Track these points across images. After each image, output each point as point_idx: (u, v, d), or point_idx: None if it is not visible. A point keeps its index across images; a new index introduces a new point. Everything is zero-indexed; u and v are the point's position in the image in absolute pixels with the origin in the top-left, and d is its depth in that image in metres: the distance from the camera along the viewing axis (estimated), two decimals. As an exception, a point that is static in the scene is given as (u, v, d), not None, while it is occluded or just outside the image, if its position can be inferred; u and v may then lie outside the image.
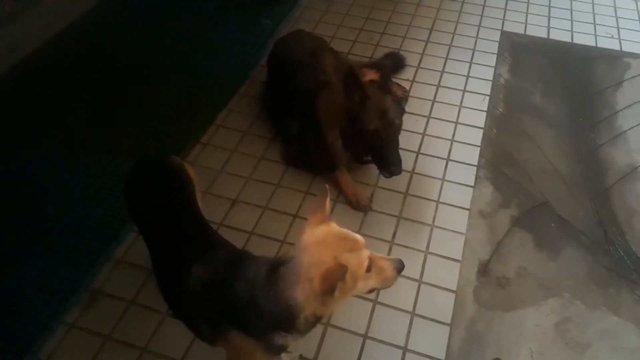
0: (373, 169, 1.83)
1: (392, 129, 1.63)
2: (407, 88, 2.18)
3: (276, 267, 0.99)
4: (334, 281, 0.89)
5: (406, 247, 1.62)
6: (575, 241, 1.66)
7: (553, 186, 1.83)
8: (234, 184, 1.80)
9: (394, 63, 2.23)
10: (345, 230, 1.02)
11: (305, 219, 1.02)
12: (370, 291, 1.05)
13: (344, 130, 1.70)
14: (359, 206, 1.73)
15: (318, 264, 0.92)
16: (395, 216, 1.71)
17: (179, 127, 1.99)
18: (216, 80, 2.21)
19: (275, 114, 2.00)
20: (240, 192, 1.78)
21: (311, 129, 1.78)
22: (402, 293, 1.49)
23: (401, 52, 2.31)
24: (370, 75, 1.98)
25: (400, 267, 1.05)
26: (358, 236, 1.02)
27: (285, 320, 0.95)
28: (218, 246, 1.11)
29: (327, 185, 1.09)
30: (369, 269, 0.99)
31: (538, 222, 1.71)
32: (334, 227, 1.03)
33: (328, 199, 1.07)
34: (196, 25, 2.51)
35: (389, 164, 1.63)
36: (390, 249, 1.61)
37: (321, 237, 1.01)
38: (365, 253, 0.99)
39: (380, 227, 1.68)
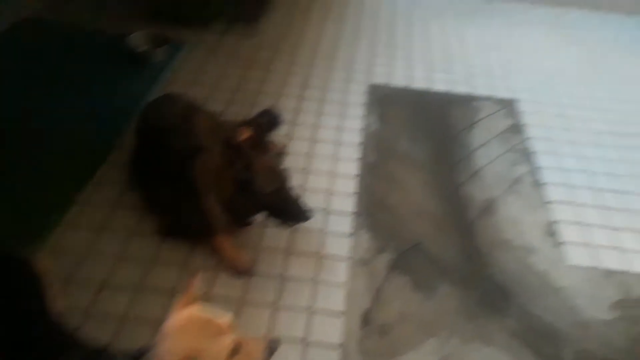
0: (254, 230, 1.84)
1: (286, 184, 1.68)
2: (284, 144, 2.24)
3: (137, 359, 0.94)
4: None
5: (290, 308, 1.61)
6: (448, 278, 1.77)
7: (424, 226, 1.95)
8: (103, 265, 1.68)
9: (270, 120, 2.28)
10: (209, 316, 1.00)
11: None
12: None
13: (225, 195, 1.69)
14: (242, 271, 1.70)
15: (173, 354, 0.88)
16: (279, 276, 1.71)
17: (37, 204, 1.83)
18: (81, 149, 2.08)
19: (147, 182, 1.92)
20: (110, 274, 1.66)
21: (187, 196, 1.74)
22: (286, 358, 1.47)
23: (276, 109, 2.37)
24: (246, 133, 2.01)
25: (275, 346, 1.04)
26: (224, 319, 1.00)
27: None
28: (71, 349, 1.02)
29: (199, 270, 1.07)
30: (233, 354, 0.96)
31: (413, 263, 1.80)
32: (198, 311, 1.01)
33: (197, 280, 1.05)
34: (60, 89, 2.38)
35: (298, 214, 1.70)
36: (273, 313, 1.59)
37: (183, 322, 0.98)
38: (229, 339, 0.96)
39: (264, 291, 1.66)
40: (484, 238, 1.92)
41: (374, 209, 1.99)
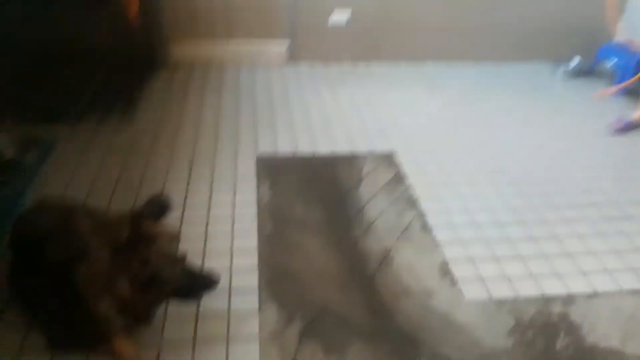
0: (155, 325, 1.73)
1: (185, 261, 1.67)
2: (178, 228, 2.18)
3: None
4: None
5: (202, 402, 1.53)
6: (358, 336, 1.78)
7: (328, 288, 1.97)
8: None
9: (158, 207, 2.20)
10: None
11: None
12: None
13: (122, 297, 1.58)
14: (144, 374, 1.59)
15: None
16: (187, 370, 1.62)
17: None
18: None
19: (30, 296, 1.75)
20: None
21: (74, 304, 1.60)
22: None
23: (164, 195, 2.32)
24: (131, 228, 1.93)
25: None
26: None
27: None
28: None
29: None
30: None
31: (322, 327, 1.80)
32: None
33: None
34: None
35: (209, 281, 1.69)
36: (185, 412, 1.49)
37: None
38: None
39: (171, 390, 1.56)
40: (385, 289, 1.98)
41: (278, 280, 1.98)
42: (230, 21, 3.70)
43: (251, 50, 3.83)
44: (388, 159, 2.79)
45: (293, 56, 3.91)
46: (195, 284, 1.69)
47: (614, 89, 3.69)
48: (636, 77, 3.52)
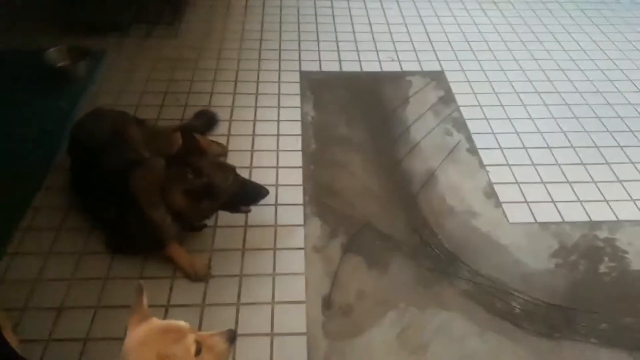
0: (206, 234, 1.83)
1: (235, 171, 1.72)
2: (225, 143, 2.23)
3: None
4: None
5: (253, 304, 1.63)
6: (399, 252, 1.84)
7: (371, 206, 2.01)
8: (56, 290, 1.63)
9: (206, 121, 2.25)
10: (166, 322, 1.02)
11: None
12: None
13: (177, 206, 1.66)
14: (198, 277, 1.69)
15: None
16: (237, 275, 1.72)
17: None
18: (13, 178, 1.97)
19: (89, 201, 1.87)
20: (65, 298, 1.61)
21: (131, 210, 1.70)
22: (256, 350, 1.50)
23: (211, 109, 2.35)
24: (183, 139, 1.98)
25: (231, 337, 1.08)
26: (181, 323, 1.02)
27: None
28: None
29: (141, 282, 1.07)
30: (198, 353, 0.99)
31: (364, 243, 1.86)
32: (154, 322, 1.02)
33: (144, 296, 1.05)
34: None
35: (259, 192, 1.77)
36: (237, 311, 1.61)
37: (142, 337, 0.99)
38: (191, 338, 0.99)
39: (224, 292, 1.66)
40: (428, 208, 2.00)
41: (322, 196, 2.03)
42: None
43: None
44: (437, 78, 2.69)
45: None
46: (246, 193, 1.75)
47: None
48: None
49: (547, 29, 3.19)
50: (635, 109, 2.55)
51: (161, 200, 1.66)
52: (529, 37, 3.10)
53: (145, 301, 1.04)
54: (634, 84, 2.73)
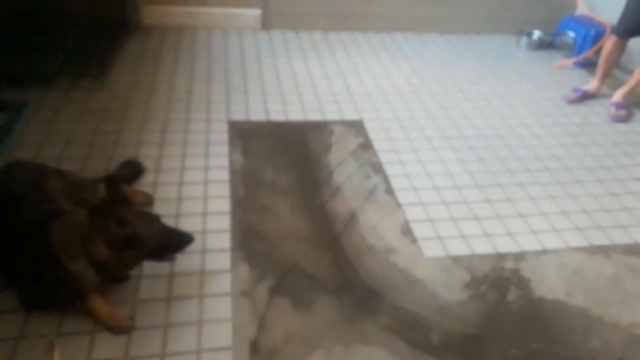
0: (129, 284, 1.81)
1: (159, 220, 1.71)
2: (151, 192, 2.24)
3: None
4: None
5: (178, 353, 1.62)
6: (324, 290, 1.91)
7: (297, 247, 2.08)
8: (-36, 353, 1.55)
9: (131, 170, 2.26)
10: None
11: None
12: None
13: (99, 258, 1.63)
14: (121, 329, 1.66)
15: None
16: (162, 326, 1.71)
17: None
18: None
19: (3, 257, 1.80)
20: (-26, 361, 1.53)
21: (49, 264, 1.66)
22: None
23: (137, 159, 2.36)
24: (106, 190, 1.97)
25: None
26: None
27: None
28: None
29: (51, 339, 1.05)
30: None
31: (291, 284, 1.91)
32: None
33: (56, 353, 1.04)
34: None
35: (184, 240, 1.74)
36: (162, 362, 1.60)
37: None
38: None
39: (148, 343, 1.64)
40: (350, 247, 2.11)
41: (250, 240, 2.08)
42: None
43: (224, 16, 3.82)
44: (356, 126, 2.88)
45: (266, 24, 3.92)
46: (171, 242, 1.74)
47: (572, 60, 3.85)
48: (593, 49, 3.68)
49: (454, 81, 3.52)
50: (532, 152, 2.85)
51: (82, 252, 1.63)
52: (438, 89, 3.40)
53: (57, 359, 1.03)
54: (532, 129, 3.06)
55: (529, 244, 2.23)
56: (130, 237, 1.61)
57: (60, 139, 2.49)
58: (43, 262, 1.67)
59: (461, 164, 2.68)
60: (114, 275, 1.78)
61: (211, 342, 1.67)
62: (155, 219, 1.73)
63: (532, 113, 3.24)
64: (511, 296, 2.00)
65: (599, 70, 3.41)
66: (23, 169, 1.93)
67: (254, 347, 1.67)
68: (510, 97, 3.40)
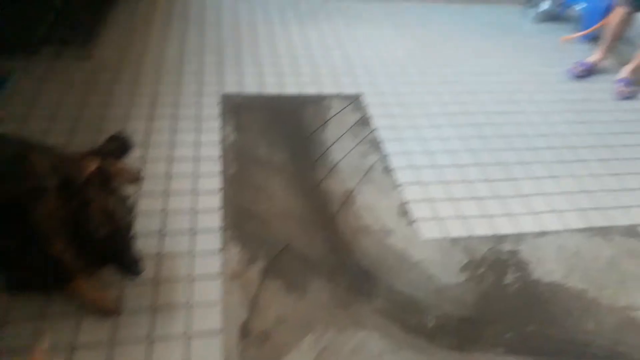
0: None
1: (121, 231, 1.57)
2: (139, 167, 2.16)
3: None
4: None
5: (166, 337, 1.58)
6: (318, 273, 1.86)
7: (291, 228, 2.02)
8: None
9: (119, 145, 2.16)
10: None
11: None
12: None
13: (72, 238, 1.57)
14: (108, 312, 1.62)
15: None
16: (149, 308, 1.66)
17: None
18: None
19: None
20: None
21: (32, 244, 1.60)
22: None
23: (125, 134, 2.27)
24: (94, 164, 1.90)
25: None
26: None
27: None
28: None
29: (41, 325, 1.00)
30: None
31: (284, 266, 1.86)
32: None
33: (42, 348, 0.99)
34: None
35: (129, 265, 1.57)
36: (149, 346, 1.55)
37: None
38: None
39: (136, 326, 1.60)
40: (346, 228, 2.05)
41: (241, 220, 2.02)
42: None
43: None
44: (355, 101, 2.78)
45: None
46: (118, 258, 1.58)
47: (579, 34, 3.71)
48: (600, 23, 3.54)
49: (457, 54, 3.39)
50: (536, 129, 2.76)
51: (63, 231, 1.57)
52: (441, 61, 3.28)
53: (46, 345, 0.98)
54: (537, 105, 2.96)
55: (528, 225, 2.17)
56: (77, 222, 1.51)
57: (45, 112, 2.39)
58: (26, 242, 1.61)
59: (463, 142, 2.60)
60: (96, 260, 1.69)
61: (200, 326, 1.62)
62: (116, 224, 1.56)
63: (538, 88, 3.13)
64: (508, 278, 1.96)
65: (603, 42, 3.29)
66: (6, 143, 1.85)
67: (245, 331, 1.63)
68: (516, 71, 3.28)
